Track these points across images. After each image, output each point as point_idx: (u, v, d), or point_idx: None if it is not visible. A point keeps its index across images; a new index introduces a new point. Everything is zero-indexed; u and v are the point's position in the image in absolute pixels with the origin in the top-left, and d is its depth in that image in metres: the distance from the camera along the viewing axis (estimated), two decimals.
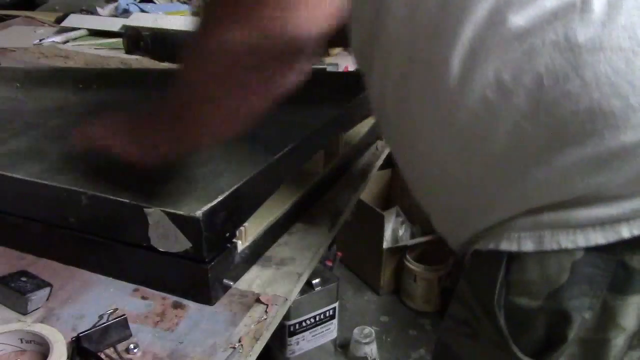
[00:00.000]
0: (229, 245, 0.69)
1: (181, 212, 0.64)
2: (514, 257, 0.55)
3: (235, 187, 0.68)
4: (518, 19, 0.51)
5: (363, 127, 1.04)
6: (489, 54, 0.52)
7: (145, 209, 0.66)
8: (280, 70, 0.56)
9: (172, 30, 1.53)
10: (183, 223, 0.64)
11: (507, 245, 0.55)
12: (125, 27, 1.56)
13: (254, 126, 0.60)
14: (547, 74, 0.50)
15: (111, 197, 0.68)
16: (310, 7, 0.52)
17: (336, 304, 1.70)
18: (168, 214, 0.65)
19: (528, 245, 0.54)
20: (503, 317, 0.57)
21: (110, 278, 0.72)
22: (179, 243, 0.66)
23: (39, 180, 0.73)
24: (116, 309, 0.67)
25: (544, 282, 0.54)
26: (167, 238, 0.66)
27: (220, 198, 0.65)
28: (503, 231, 0.56)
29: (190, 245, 0.65)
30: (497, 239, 0.56)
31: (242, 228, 0.71)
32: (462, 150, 0.56)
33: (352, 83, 1.08)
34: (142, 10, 1.74)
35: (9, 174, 0.75)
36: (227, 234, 0.69)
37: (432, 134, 0.58)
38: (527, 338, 0.57)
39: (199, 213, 0.63)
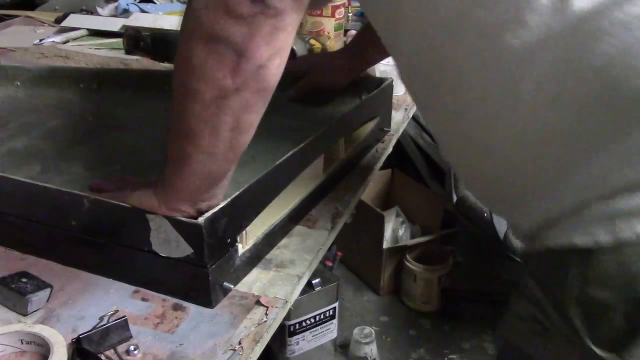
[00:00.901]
0: (229, 249, 0.69)
1: (183, 219, 0.64)
2: (588, 250, 0.53)
3: (237, 194, 0.68)
4: (582, 3, 0.50)
5: (363, 131, 1.04)
6: (556, 39, 0.51)
7: (147, 215, 0.66)
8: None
9: (172, 30, 1.53)
10: (185, 229, 0.65)
11: (580, 238, 0.53)
12: (125, 27, 1.56)
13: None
14: (617, 53, 0.49)
15: (113, 201, 0.68)
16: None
17: (336, 304, 1.70)
18: (170, 220, 0.65)
19: (603, 237, 0.52)
20: (577, 311, 0.55)
21: (111, 280, 0.72)
22: (180, 249, 0.66)
23: (41, 183, 0.73)
24: (116, 311, 0.67)
25: (621, 272, 0.52)
26: (168, 244, 0.66)
27: (222, 205, 0.66)
28: (573, 222, 0.54)
29: (192, 251, 0.65)
30: (568, 231, 0.54)
31: (243, 232, 0.71)
32: (525, 127, 0.54)
33: (352, 88, 1.08)
34: (142, 10, 1.73)
35: (11, 176, 0.75)
36: (229, 240, 0.69)
37: (494, 105, 0.56)
38: (604, 330, 0.55)
39: (201, 220, 0.63)
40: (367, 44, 1.02)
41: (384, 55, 1.05)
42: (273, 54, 0.56)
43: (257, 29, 0.54)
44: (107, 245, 0.71)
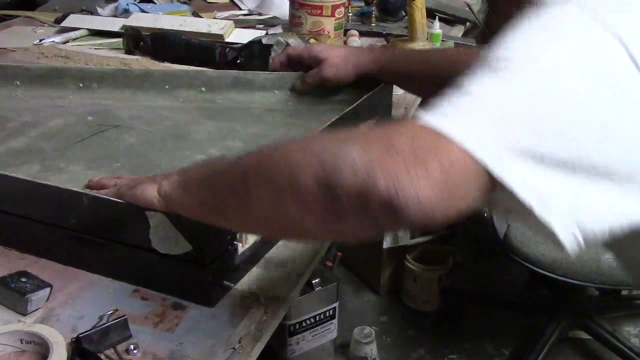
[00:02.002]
0: (229, 247, 0.69)
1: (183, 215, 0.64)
2: None
3: None
4: None
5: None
6: None
7: (146, 212, 0.66)
8: None
9: (172, 30, 1.53)
10: (185, 227, 0.64)
11: None
12: (125, 27, 1.56)
13: None
14: None
15: (112, 198, 0.68)
16: None
17: (336, 304, 1.70)
18: (169, 217, 0.65)
19: None
20: None
21: (110, 279, 0.72)
22: (179, 246, 0.66)
23: (41, 181, 0.73)
24: (116, 310, 0.67)
25: None
26: (168, 241, 0.66)
27: None
28: None
29: (191, 248, 0.65)
30: None
31: None
32: None
33: (352, 86, 1.08)
34: (142, 10, 1.73)
35: (10, 174, 0.74)
36: (228, 237, 0.68)
37: None
38: None
39: None
40: (396, 64, 1.04)
41: (398, 82, 1.07)
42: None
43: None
44: (106, 244, 0.71)
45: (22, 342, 0.63)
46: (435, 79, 1.01)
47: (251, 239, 0.73)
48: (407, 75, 1.06)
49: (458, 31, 1.83)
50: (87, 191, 0.71)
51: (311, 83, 1.09)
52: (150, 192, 0.65)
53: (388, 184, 0.44)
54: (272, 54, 1.27)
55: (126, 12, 1.72)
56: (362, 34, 1.64)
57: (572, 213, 0.47)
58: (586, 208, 0.48)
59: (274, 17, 1.80)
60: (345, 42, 1.56)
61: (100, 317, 0.66)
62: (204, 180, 0.61)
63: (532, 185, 0.46)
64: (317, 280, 1.61)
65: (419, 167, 0.45)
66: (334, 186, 0.46)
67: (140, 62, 1.40)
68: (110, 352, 0.63)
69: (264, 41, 1.28)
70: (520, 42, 0.52)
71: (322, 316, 1.68)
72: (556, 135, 0.48)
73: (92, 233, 0.71)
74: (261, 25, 1.72)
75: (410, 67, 1.04)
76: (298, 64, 1.13)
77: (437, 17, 1.64)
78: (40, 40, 1.55)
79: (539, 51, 0.50)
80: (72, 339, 0.62)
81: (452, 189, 0.46)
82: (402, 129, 0.48)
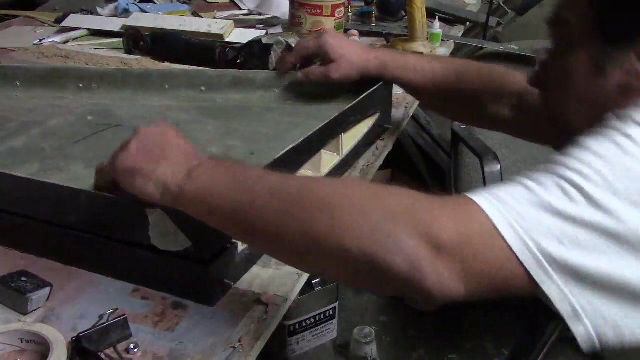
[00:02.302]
0: (229, 245, 0.69)
1: (182, 211, 0.64)
2: None
3: None
4: None
5: (363, 128, 1.04)
6: None
7: (146, 209, 0.65)
8: None
9: (172, 30, 1.53)
10: (184, 223, 0.64)
11: None
12: (125, 27, 1.56)
13: None
14: None
15: (112, 195, 0.68)
16: None
17: (336, 304, 1.70)
18: (169, 213, 0.65)
19: None
20: None
21: (111, 278, 0.72)
22: (179, 242, 0.66)
23: (39, 179, 0.73)
24: (116, 309, 0.67)
25: None
26: (167, 237, 0.66)
27: None
28: None
29: (191, 244, 0.65)
30: None
31: None
32: None
33: (354, 83, 1.08)
34: (142, 10, 1.73)
35: (9, 172, 0.74)
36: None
37: None
38: None
39: None
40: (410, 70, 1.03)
41: (402, 82, 1.05)
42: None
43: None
44: (106, 244, 0.71)
45: (22, 342, 0.63)
46: (443, 93, 1.02)
47: None
48: (417, 86, 1.04)
49: (458, 31, 1.83)
50: (86, 188, 0.71)
51: (314, 80, 1.07)
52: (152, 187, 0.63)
53: (434, 283, 0.50)
54: (272, 53, 1.27)
55: (126, 12, 1.73)
56: (362, 33, 1.64)
57: (597, 326, 0.52)
58: (611, 323, 0.52)
59: (274, 17, 1.80)
60: None
61: (101, 317, 0.66)
62: (239, 190, 0.59)
63: (568, 298, 0.52)
64: (317, 280, 1.61)
65: (465, 269, 0.51)
66: (380, 266, 0.51)
67: (140, 62, 1.40)
68: (110, 351, 0.63)
69: (264, 41, 1.28)
70: (603, 166, 0.53)
71: (322, 316, 1.68)
72: (600, 255, 0.51)
73: (92, 231, 0.71)
74: (261, 25, 1.72)
75: (423, 79, 1.03)
76: (309, 59, 1.10)
77: (437, 17, 1.64)
78: (40, 40, 1.55)
79: (614, 180, 0.52)
80: (72, 338, 0.62)
81: (489, 286, 0.52)
82: (455, 220, 0.52)
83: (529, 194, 0.52)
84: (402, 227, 0.51)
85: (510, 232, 0.51)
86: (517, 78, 0.95)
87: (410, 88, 1.07)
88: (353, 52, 1.04)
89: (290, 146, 0.79)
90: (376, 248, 0.51)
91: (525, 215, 0.51)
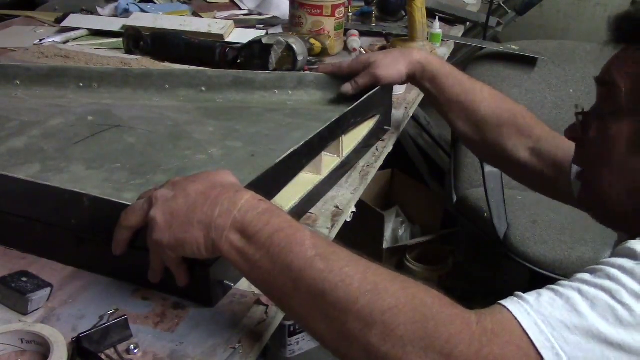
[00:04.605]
0: None
1: None
2: None
3: None
4: None
5: (363, 130, 1.04)
6: None
7: None
8: None
9: (172, 30, 1.53)
10: None
11: None
12: (125, 27, 1.56)
13: None
14: None
15: (113, 199, 0.68)
16: None
17: None
18: None
19: None
20: None
21: (111, 279, 0.72)
22: None
23: (41, 182, 0.73)
24: (117, 310, 0.67)
25: None
26: None
27: None
28: None
29: None
30: None
31: None
32: None
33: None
34: (142, 10, 1.73)
35: (11, 175, 0.74)
36: None
37: None
38: None
39: None
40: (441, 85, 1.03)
41: (434, 94, 1.05)
42: None
43: None
44: (107, 244, 0.71)
45: (22, 342, 0.63)
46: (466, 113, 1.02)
47: None
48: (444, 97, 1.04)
49: (458, 31, 1.84)
50: (88, 192, 0.71)
51: (364, 83, 1.06)
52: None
53: None
54: (272, 53, 1.27)
55: (126, 12, 1.73)
56: (362, 33, 1.64)
57: None
58: None
59: (274, 17, 1.80)
60: (345, 42, 1.56)
61: (101, 317, 0.66)
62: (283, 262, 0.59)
63: None
64: None
65: None
66: None
67: (140, 62, 1.40)
68: (110, 351, 0.63)
69: (264, 41, 1.29)
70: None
71: None
72: None
73: (93, 233, 0.71)
74: (261, 25, 1.72)
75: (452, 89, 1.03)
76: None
77: (437, 17, 1.64)
78: (40, 40, 1.55)
79: None
80: (72, 339, 0.62)
81: None
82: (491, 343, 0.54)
83: (578, 319, 0.53)
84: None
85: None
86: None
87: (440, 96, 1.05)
88: (391, 51, 1.07)
89: (291, 149, 0.79)
90: None
91: (570, 340, 0.52)
